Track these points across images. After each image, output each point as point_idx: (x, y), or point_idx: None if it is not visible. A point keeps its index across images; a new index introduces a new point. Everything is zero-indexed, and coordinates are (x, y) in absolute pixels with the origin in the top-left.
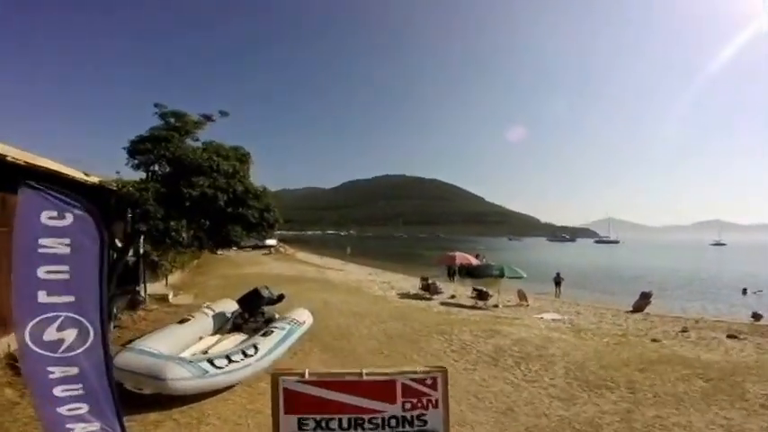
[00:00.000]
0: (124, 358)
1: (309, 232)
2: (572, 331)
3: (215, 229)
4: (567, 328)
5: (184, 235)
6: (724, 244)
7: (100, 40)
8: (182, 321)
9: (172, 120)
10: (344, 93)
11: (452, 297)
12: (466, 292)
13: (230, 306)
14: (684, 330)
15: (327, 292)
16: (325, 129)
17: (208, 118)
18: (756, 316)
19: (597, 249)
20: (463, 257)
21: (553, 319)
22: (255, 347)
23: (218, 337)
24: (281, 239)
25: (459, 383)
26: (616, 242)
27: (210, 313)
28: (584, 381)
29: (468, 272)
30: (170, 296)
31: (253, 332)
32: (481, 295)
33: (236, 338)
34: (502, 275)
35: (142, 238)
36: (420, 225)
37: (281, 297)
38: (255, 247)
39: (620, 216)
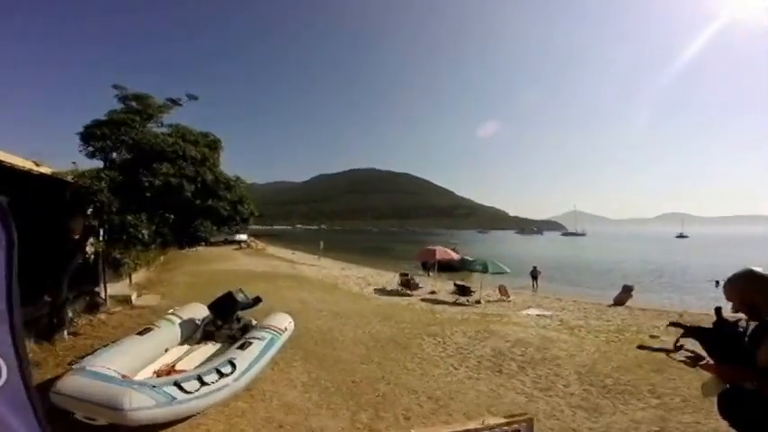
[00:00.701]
0: (72, 383)
1: (279, 227)
2: (565, 329)
3: (181, 223)
4: (557, 325)
5: (144, 231)
6: (687, 236)
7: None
8: (143, 331)
9: (133, 103)
10: (316, 86)
11: (432, 293)
12: (445, 288)
13: (200, 311)
14: (672, 324)
15: (303, 290)
16: (295, 122)
17: (174, 102)
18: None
19: (565, 242)
20: (443, 252)
21: (539, 315)
22: (232, 364)
23: (187, 347)
24: (252, 234)
25: (467, 396)
26: (583, 234)
27: (177, 320)
28: (601, 386)
29: (450, 266)
30: (133, 297)
31: (227, 340)
32: (463, 291)
33: (207, 349)
34: (485, 270)
35: (102, 234)
36: (391, 219)
37: (257, 300)
38: (226, 242)
39: (585, 209)
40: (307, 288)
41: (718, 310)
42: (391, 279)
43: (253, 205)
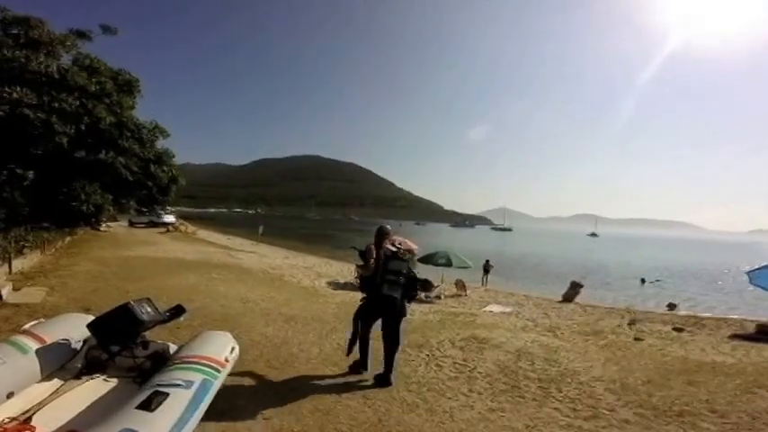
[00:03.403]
0: None
1: (213, 209)
2: (545, 331)
3: (46, 187)
4: (533, 326)
5: None
6: (597, 235)
7: None
8: None
9: (16, 30)
10: (264, 68)
11: None
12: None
13: (80, 326)
14: (632, 323)
15: (244, 284)
16: (239, 103)
17: (81, 34)
18: (671, 306)
19: (494, 236)
20: (404, 242)
21: (503, 313)
22: None
23: (55, 384)
24: (182, 216)
25: None
26: (509, 230)
27: (33, 345)
28: (652, 408)
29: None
30: (5, 291)
31: (128, 374)
32: (425, 286)
33: (91, 389)
34: (449, 264)
35: None
36: (333, 207)
37: (178, 311)
38: (151, 225)
39: (511, 206)
40: (248, 281)
41: None
42: (341, 269)
43: (178, 172)
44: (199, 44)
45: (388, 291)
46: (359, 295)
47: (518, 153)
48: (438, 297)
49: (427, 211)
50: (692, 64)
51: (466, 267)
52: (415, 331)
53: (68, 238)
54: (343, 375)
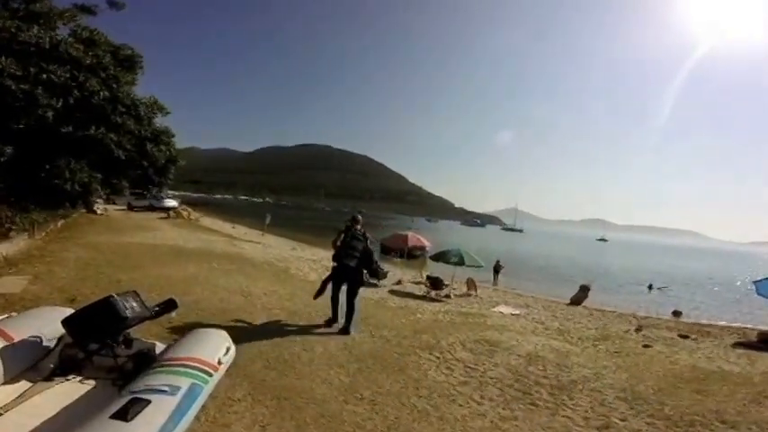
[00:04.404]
0: None
1: (219, 196)
2: (555, 334)
3: (29, 164)
4: (543, 329)
5: None
6: (606, 240)
7: None
8: None
9: (16, 5)
10: (274, 52)
11: (398, 283)
12: (406, 277)
13: (54, 321)
14: (639, 329)
15: (246, 276)
16: (247, 88)
17: (85, 9)
18: (677, 313)
19: (505, 236)
20: (416, 239)
21: (512, 314)
22: None
23: (18, 389)
24: (185, 201)
25: None
26: (520, 231)
27: (2, 341)
28: (663, 417)
29: (411, 254)
30: None
31: (107, 375)
32: (435, 284)
33: (64, 392)
34: (461, 263)
35: None
36: (342, 198)
37: (168, 306)
38: (151, 209)
39: (521, 207)
40: (250, 273)
41: None
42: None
43: (177, 152)
44: (209, 25)
45: (346, 260)
46: (368, 292)
47: (533, 155)
48: (448, 296)
49: (439, 208)
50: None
51: (478, 267)
52: (425, 331)
53: (61, 222)
54: (349, 377)
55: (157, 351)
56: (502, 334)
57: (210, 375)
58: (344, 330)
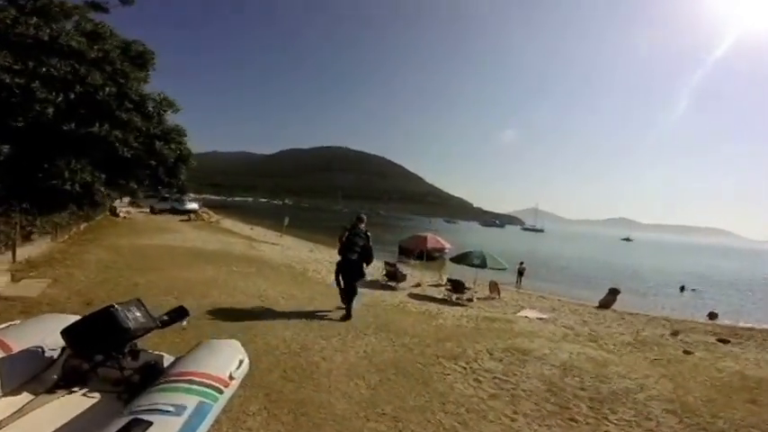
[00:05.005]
0: None
1: (239, 198)
2: (587, 341)
3: (27, 163)
4: (573, 335)
5: None
6: (631, 240)
7: None
8: None
9: (23, 1)
10: (292, 56)
11: (417, 286)
12: (425, 279)
13: (57, 331)
14: (675, 333)
15: (264, 279)
16: (267, 91)
17: (96, 6)
18: (713, 315)
19: (525, 236)
20: (435, 240)
21: (539, 319)
22: None
23: (17, 402)
24: (206, 204)
25: None
26: (541, 231)
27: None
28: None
29: (430, 256)
30: (1, 282)
31: (113, 388)
32: (456, 287)
33: (67, 405)
34: (483, 266)
35: None
36: (360, 200)
37: (179, 315)
38: (173, 212)
39: (542, 207)
40: (268, 276)
41: None
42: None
43: (188, 151)
44: (228, 30)
45: (348, 254)
46: (383, 294)
47: (552, 154)
48: (470, 300)
49: (457, 209)
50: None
51: (501, 269)
52: (449, 339)
53: (84, 224)
54: (370, 389)
55: (165, 363)
56: (532, 341)
57: (221, 392)
58: (347, 317)
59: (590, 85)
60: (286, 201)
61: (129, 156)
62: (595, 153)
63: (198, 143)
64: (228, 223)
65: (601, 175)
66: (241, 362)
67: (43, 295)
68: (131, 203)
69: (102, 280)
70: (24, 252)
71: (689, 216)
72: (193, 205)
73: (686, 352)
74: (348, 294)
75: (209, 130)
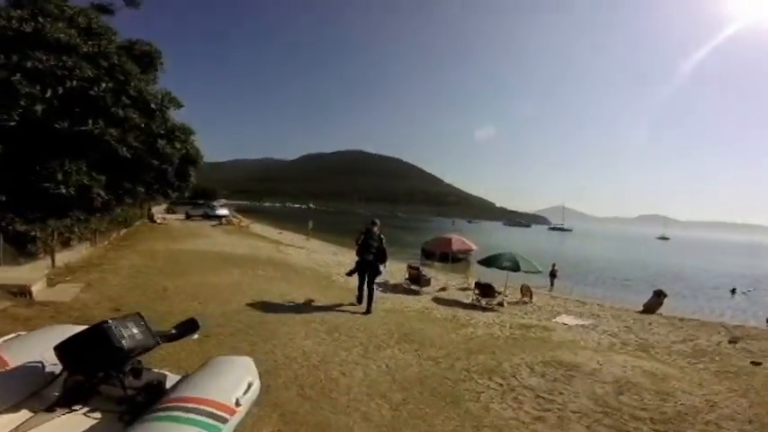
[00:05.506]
0: None
1: (267, 203)
2: (639, 351)
3: (16, 165)
4: (620, 344)
5: None
6: (668, 238)
7: None
8: None
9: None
10: (310, 62)
11: (443, 290)
12: (450, 282)
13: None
14: (734, 341)
15: (288, 283)
16: (286, 98)
17: (102, 9)
18: None
19: (553, 236)
20: (460, 242)
21: (578, 326)
22: None
23: (12, 421)
24: (238, 209)
25: None
26: (569, 230)
27: None
28: None
29: (455, 258)
30: (36, 287)
31: (117, 407)
32: (485, 291)
33: (58, 428)
34: (516, 269)
35: None
36: (378, 202)
37: (188, 328)
38: (206, 217)
39: (569, 205)
40: (293, 280)
41: None
42: (391, 268)
43: (195, 150)
44: (245, 43)
45: (365, 255)
46: (407, 299)
47: (578, 148)
48: (501, 304)
49: (479, 209)
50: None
51: (535, 273)
52: (481, 350)
53: (124, 230)
54: (393, 410)
55: (169, 383)
56: (576, 353)
57: (224, 422)
58: (367, 312)
59: (626, 77)
60: (310, 205)
61: (129, 156)
62: (625, 146)
63: (223, 151)
64: (258, 227)
65: (632, 170)
66: (250, 385)
67: (75, 300)
68: (168, 210)
69: (133, 285)
70: (64, 257)
71: (726, 212)
72: (224, 211)
73: (754, 363)
74: (369, 293)
75: (235, 137)
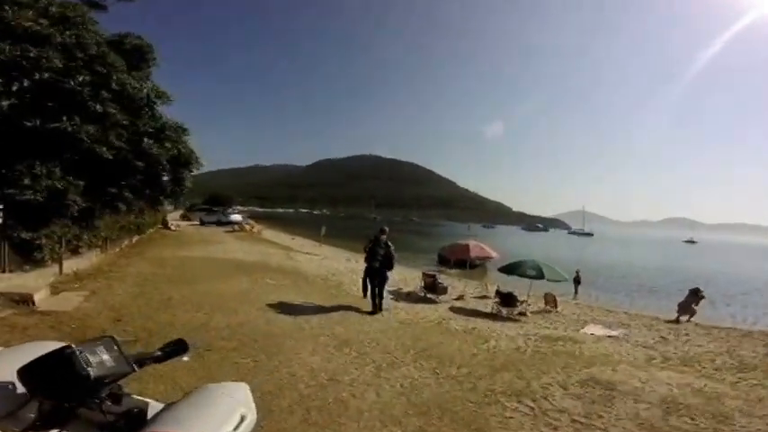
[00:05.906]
0: None
1: (281, 210)
2: (682, 365)
3: None
4: (660, 357)
5: None
6: (695, 242)
7: None
8: None
9: None
10: (323, 69)
11: (460, 298)
12: (466, 289)
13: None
14: None
15: (298, 292)
16: (300, 105)
17: (93, 4)
18: None
19: (573, 241)
20: (479, 248)
21: (608, 336)
22: None
23: None
24: (252, 216)
25: None
26: (590, 234)
27: None
28: None
29: (472, 264)
30: (38, 296)
31: None
32: (507, 300)
33: None
34: (540, 277)
35: None
36: (392, 207)
37: (176, 350)
38: (219, 223)
39: (589, 208)
40: (303, 289)
41: None
42: (405, 276)
43: (188, 151)
44: (263, 48)
45: (372, 263)
46: (423, 309)
47: (604, 154)
48: (523, 314)
49: (495, 213)
50: None
51: (561, 281)
52: (507, 368)
53: (136, 237)
54: None
55: (151, 411)
56: (614, 370)
57: None
58: (373, 311)
59: (648, 77)
60: (324, 211)
61: (110, 157)
62: (650, 148)
63: (242, 157)
64: (270, 234)
65: (655, 172)
66: (243, 418)
67: (77, 309)
68: (182, 216)
69: (138, 293)
70: (73, 264)
71: (757, 213)
72: (237, 217)
73: None
74: (378, 296)
75: (249, 145)
